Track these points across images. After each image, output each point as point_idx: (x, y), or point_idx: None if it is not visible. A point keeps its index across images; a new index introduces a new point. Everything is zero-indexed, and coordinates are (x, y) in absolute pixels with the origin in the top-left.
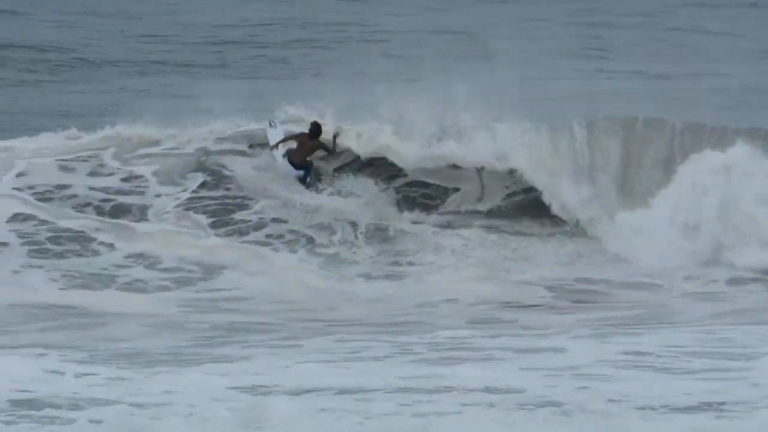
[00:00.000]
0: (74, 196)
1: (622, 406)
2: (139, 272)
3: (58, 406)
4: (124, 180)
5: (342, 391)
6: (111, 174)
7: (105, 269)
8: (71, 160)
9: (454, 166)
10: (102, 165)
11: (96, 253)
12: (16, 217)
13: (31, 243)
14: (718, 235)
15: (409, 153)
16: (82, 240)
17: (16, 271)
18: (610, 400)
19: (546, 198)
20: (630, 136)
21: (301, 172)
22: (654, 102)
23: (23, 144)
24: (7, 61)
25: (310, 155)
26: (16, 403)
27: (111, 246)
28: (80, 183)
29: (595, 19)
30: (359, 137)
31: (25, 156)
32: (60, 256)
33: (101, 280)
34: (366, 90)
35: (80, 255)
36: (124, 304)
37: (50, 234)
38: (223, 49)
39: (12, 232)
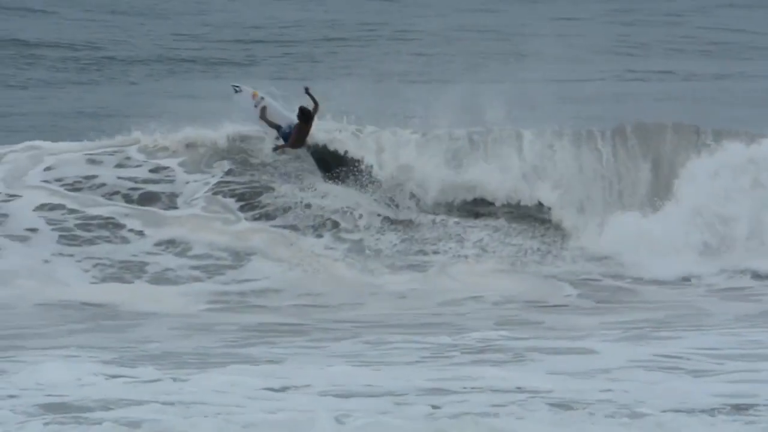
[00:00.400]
0: (103, 185)
1: (653, 409)
2: (169, 260)
3: (90, 409)
4: (152, 171)
5: (375, 394)
6: (138, 165)
7: (135, 256)
8: (98, 154)
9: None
10: (128, 158)
11: (125, 240)
12: (44, 206)
13: (60, 229)
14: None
15: (432, 177)
16: (111, 227)
17: (46, 261)
18: (641, 403)
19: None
20: (658, 145)
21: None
22: (682, 103)
23: (51, 144)
24: (38, 59)
25: (307, 135)
26: (49, 408)
27: (141, 233)
28: (108, 174)
29: (628, 18)
30: (381, 152)
31: (53, 152)
32: (90, 242)
33: (132, 270)
34: (393, 91)
35: (110, 241)
36: (154, 300)
37: (79, 221)
38: (252, 47)
39: (41, 218)
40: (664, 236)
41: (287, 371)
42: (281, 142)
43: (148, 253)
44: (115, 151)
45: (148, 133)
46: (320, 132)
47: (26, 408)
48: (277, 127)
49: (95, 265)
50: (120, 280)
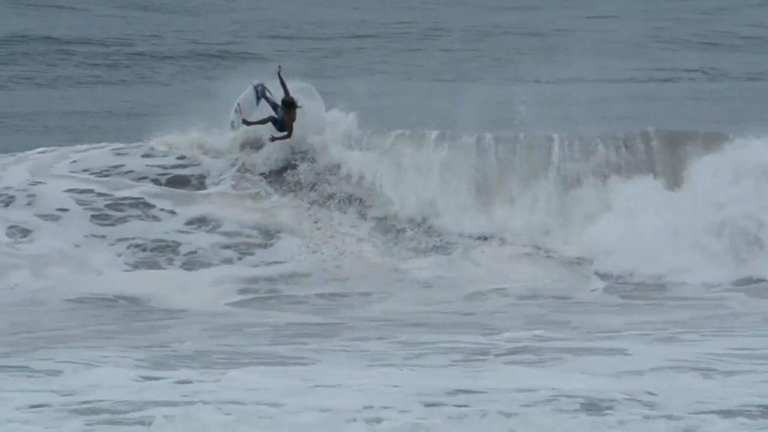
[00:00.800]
0: (130, 171)
1: (687, 410)
2: (200, 239)
3: (124, 411)
4: (178, 158)
5: (407, 396)
6: (164, 155)
7: (167, 234)
8: (123, 147)
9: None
10: (153, 149)
11: (156, 218)
12: (73, 190)
13: (91, 209)
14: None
15: (452, 223)
16: (142, 206)
17: (77, 245)
18: (675, 404)
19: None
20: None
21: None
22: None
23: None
24: (68, 55)
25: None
26: (82, 411)
27: (171, 212)
28: (135, 162)
29: (662, 17)
30: (397, 188)
31: (80, 150)
32: (122, 221)
33: (164, 252)
34: (420, 91)
35: (141, 219)
36: (185, 291)
37: (109, 202)
38: (280, 43)
39: (71, 199)
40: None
41: (319, 372)
42: (279, 134)
43: (180, 232)
44: (140, 145)
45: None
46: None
47: (59, 411)
48: (269, 119)
49: (128, 247)
50: (152, 265)
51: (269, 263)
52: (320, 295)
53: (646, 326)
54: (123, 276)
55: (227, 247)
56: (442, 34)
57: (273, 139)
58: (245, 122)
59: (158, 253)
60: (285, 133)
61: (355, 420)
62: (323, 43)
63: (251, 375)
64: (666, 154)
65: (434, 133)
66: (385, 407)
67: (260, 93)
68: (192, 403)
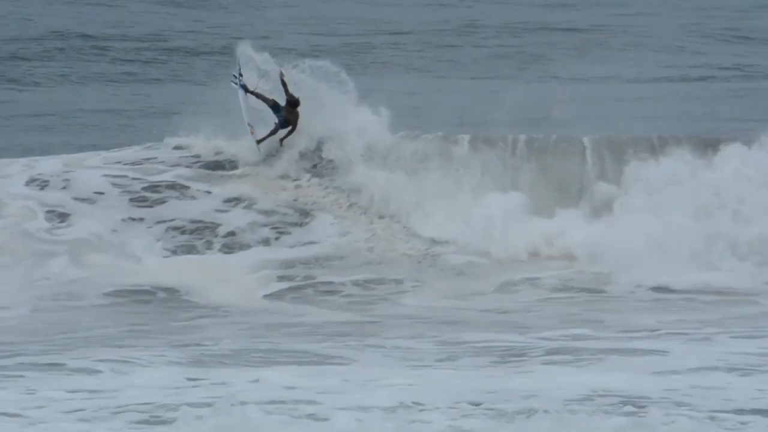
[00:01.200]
0: (162, 162)
1: (729, 410)
2: (237, 219)
3: (162, 412)
4: (209, 150)
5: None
6: (197, 152)
7: (204, 213)
8: (152, 144)
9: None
10: (182, 145)
11: (193, 198)
12: (108, 175)
13: (128, 192)
14: None
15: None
16: (178, 187)
17: (114, 230)
18: (717, 403)
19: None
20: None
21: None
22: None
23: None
24: (103, 52)
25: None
26: (127, 411)
27: (208, 192)
28: (167, 154)
29: (698, 14)
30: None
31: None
32: (159, 202)
33: (202, 234)
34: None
35: (179, 199)
36: (223, 281)
37: (146, 185)
38: (313, 39)
39: (107, 182)
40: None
41: (355, 371)
42: (284, 131)
43: (217, 211)
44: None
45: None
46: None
47: (96, 411)
48: (273, 103)
49: (166, 231)
50: (191, 250)
51: (305, 243)
52: (355, 282)
53: (681, 325)
54: (161, 264)
55: (264, 225)
56: (477, 31)
57: (282, 143)
58: (254, 92)
59: (197, 236)
60: (290, 128)
61: (393, 420)
62: (357, 39)
63: (288, 374)
64: (696, 159)
65: (466, 140)
66: (423, 408)
67: (244, 89)
68: (231, 404)
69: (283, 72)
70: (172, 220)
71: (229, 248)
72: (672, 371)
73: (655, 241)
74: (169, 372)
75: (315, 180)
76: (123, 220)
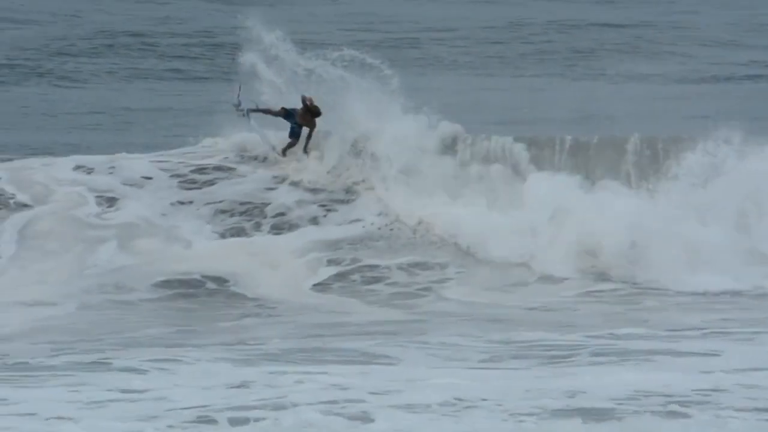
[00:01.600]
0: (207, 156)
1: None
2: (285, 196)
3: (212, 412)
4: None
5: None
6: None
7: (253, 192)
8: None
9: None
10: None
11: (242, 176)
12: (154, 161)
13: (176, 176)
14: None
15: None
16: (225, 169)
17: (164, 213)
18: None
19: None
20: None
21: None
22: None
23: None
24: (153, 47)
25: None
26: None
27: (254, 172)
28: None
29: (746, 12)
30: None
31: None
32: (208, 183)
33: (252, 215)
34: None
35: (227, 179)
36: (273, 267)
37: (193, 167)
38: (360, 36)
39: (154, 166)
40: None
41: (402, 370)
42: (287, 142)
43: (266, 189)
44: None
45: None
46: None
47: (142, 409)
48: (281, 112)
49: (215, 214)
50: (240, 232)
51: (351, 221)
52: (400, 267)
53: (726, 324)
54: (210, 248)
55: (312, 203)
56: (523, 29)
57: (307, 150)
58: (258, 108)
59: (246, 218)
60: (308, 132)
61: (441, 419)
62: (404, 36)
63: (336, 374)
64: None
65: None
66: (471, 405)
67: (248, 113)
68: (282, 406)
69: (312, 98)
70: (220, 201)
71: (278, 229)
72: (720, 370)
73: (698, 243)
74: (217, 372)
75: (357, 160)
76: (172, 203)
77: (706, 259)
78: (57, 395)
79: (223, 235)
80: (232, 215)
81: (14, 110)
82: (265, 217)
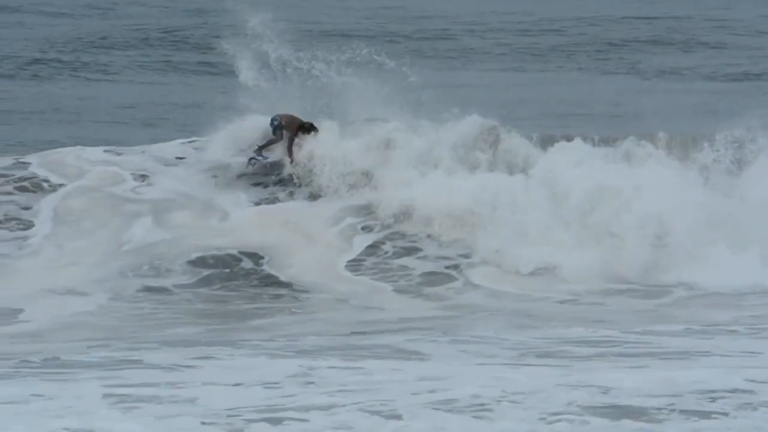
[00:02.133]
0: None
1: None
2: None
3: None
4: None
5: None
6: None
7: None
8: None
9: None
10: None
11: (271, 151)
12: (185, 144)
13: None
14: None
15: None
16: (255, 147)
17: (199, 185)
18: None
19: None
20: None
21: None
22: None
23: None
24: (186, 41)
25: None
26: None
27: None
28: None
29: None
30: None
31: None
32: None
33: (286, 184)
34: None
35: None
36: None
37: (225, 149)
38: (393, 28)
39: (187, 148)
40: None
41: (434, 367)
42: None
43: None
44: None
45: None
46: None
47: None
48: (280, 133)
49: (251, 184)
50: (275, 199)
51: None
52: (443, 258)
53: (758, 321)
54: (247, 219)
55: (345, 174)
56: (554, 25)
57: (291, 159)
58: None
59: (281, 187)
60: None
61: (474, 418)
62: (437, 32)
63: (365, 370)
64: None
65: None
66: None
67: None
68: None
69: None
70: (254, 174)
71: (312, 197)
72: (759, 367)
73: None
74: (250, 369)
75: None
76: (205, 177)
77: (735, 257)
78: (89, 391)
79: (257, 204)
80: (265, 187)
81: (45, 106)
82: (301, 195)
